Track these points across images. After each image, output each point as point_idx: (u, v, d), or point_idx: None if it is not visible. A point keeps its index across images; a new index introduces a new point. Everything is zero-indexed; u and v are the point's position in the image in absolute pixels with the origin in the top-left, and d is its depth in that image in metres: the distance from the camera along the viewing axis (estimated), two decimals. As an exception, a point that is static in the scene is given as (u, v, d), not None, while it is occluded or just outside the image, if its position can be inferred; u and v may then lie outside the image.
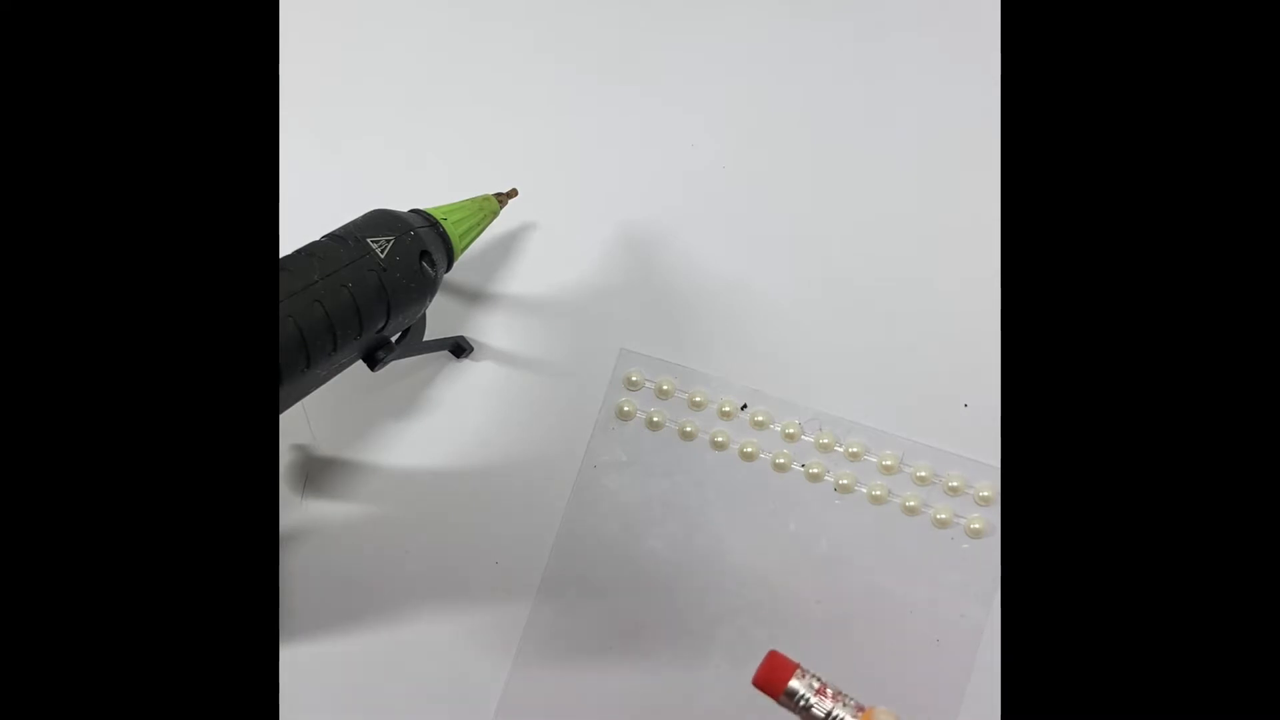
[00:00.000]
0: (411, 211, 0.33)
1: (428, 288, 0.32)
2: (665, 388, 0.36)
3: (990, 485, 0.35)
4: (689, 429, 0.36)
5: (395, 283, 0.31)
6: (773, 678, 0.23)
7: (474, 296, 0.38)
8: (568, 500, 0.36)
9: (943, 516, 0.35)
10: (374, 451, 0.37)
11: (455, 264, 0.34)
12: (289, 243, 0.29)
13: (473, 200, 0.35)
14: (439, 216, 0.33)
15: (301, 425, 0.36)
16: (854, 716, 0.23)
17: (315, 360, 0.29)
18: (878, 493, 0.35)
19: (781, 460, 0.36)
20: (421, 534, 0.36)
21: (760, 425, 0.36)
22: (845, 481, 0.35)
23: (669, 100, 0.40)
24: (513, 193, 0.36)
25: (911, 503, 0.35)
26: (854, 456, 0.35)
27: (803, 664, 0.24)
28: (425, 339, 0.34)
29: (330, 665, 0.35)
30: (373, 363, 0.32)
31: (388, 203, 0.33)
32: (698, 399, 0.36)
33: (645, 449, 0.36)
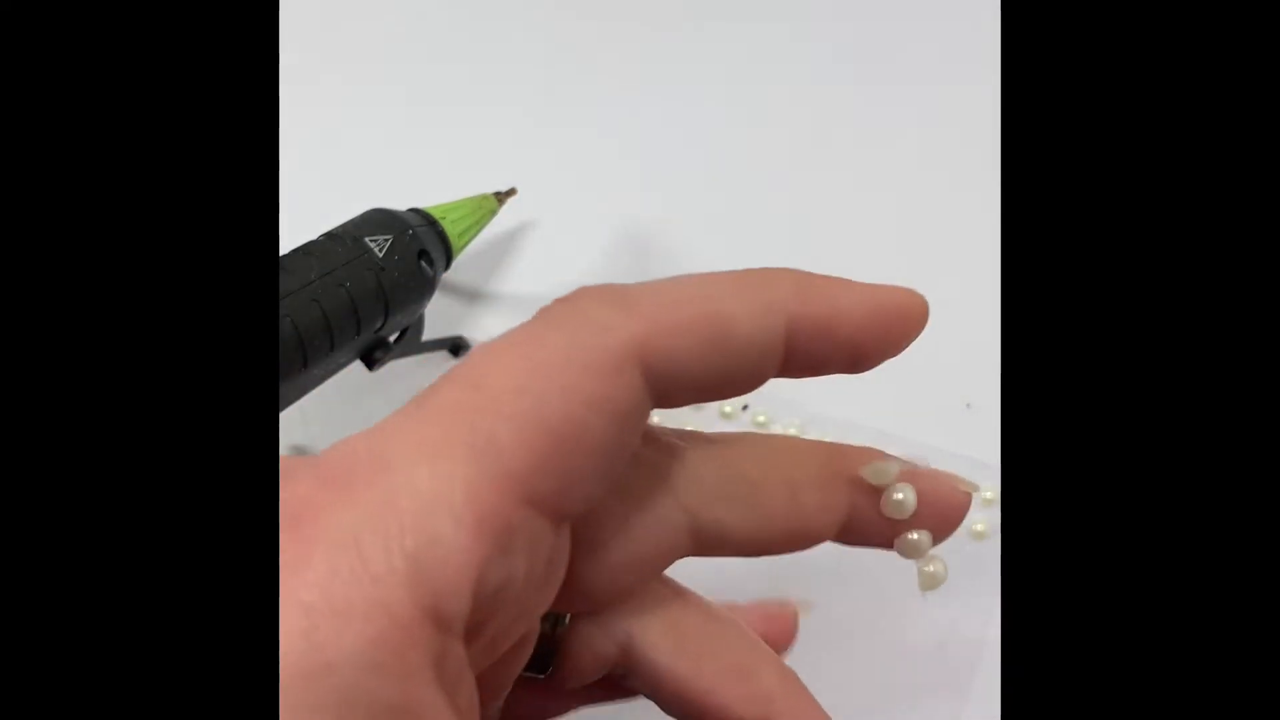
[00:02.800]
0: (409, 210, 0.33)
1: (426, 287, 0.32)
2: (665, 388, 0.36)
3: (993, 487, 0.34)
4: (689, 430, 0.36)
5: (393, 282, 0.30)
6: None
7: (473, 296, 0.38)
8: (567, 501, 0.36)
9: (945, 518, 0.34)
10: (372, 452, 0.36)
11: (454, 263, 0.34)
12: (285, 242, 0.29)
13: (471, 199, 0.35)
14: (437, 215, 0.33)
15: (298, 425, 0.36)
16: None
17: (312, 360, 0.29)
18: (879, 494, 0.35)
19: (782, 461, 0.35)
20: (420, 535, 0.36)
21: (761, 426, 0.36)
22: (847, 483, 0.35)
23: (670, 99, 0.40)
24: (512, 191, 0.36)
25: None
26: (855, 457, 0.35)
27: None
28: (423, 339, 0.34)
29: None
30: (370, 362, 0.32)
31: (385, 201, 0.32)
32: (698, 399, 0.36)
33: (645, 450, 0.36)
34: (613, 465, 0.16)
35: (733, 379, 0.17)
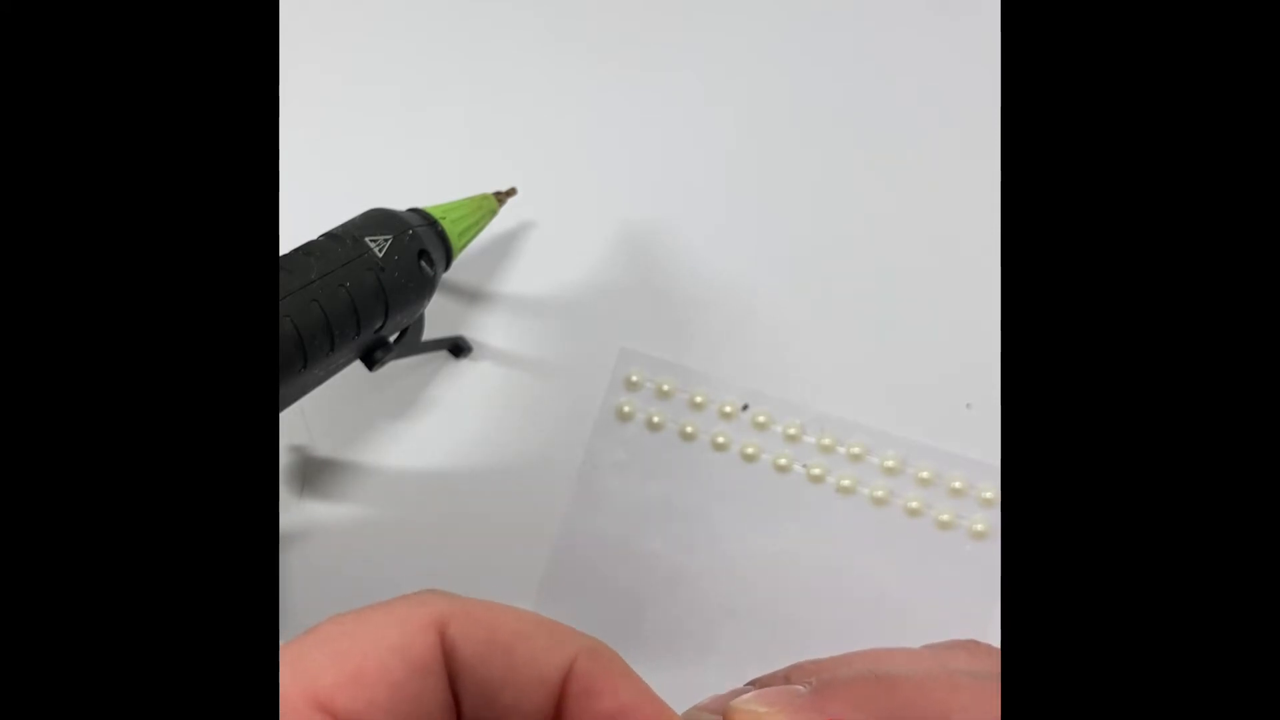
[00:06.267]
0: (409, 210, 0.33)
1: (426, 287, 0.32)
2: (665, 388, 0.36)
3: (993, 487, 0.34)
4: (689, 430, 0.36)
5: (393, 282, 0.30)
6: None
7: (473, 296, 0.38)
8: (568, 501, 0.36)
9: (945, 518, 0.35)
10: (372, 452, 0.36)
11: (454, 263, 0.34)
12: (285, 242, 0.29)
13: (471, 199, 0.35)
14: (437, 215, 0.33)
15: (299, 426, 0.36)
16: None
17: (312, 360, 0.29)
18: (880, 494, 0.35)
19: (783, 461, 0.35)
20: (420, 534, 0.36)
21: (761, 426, 0.36)
22: (847, 483, 0.35)
23: (671, 99, 0.40)
24: (512, 191, 0.36)
25: (914, 504, 0.35)
26: (856, 458, 0.35)
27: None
28: (424, 339, 0.34)
29: (329, 667, 0.35)
30: (370, 363, 0.32)
31: (385, 201, 0.32)
32: (698, 399, 0.36)
33: (645, 450, 0.36)
34: (410, 710, 0.19)
35: (514, 693, 0.19)
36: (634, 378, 0.36)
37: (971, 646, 0.22)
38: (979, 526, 0.34)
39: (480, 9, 0.41)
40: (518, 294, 0.38)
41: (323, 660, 0.18)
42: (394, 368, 0.36)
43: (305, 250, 0.30)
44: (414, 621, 0.19)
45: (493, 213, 0.36)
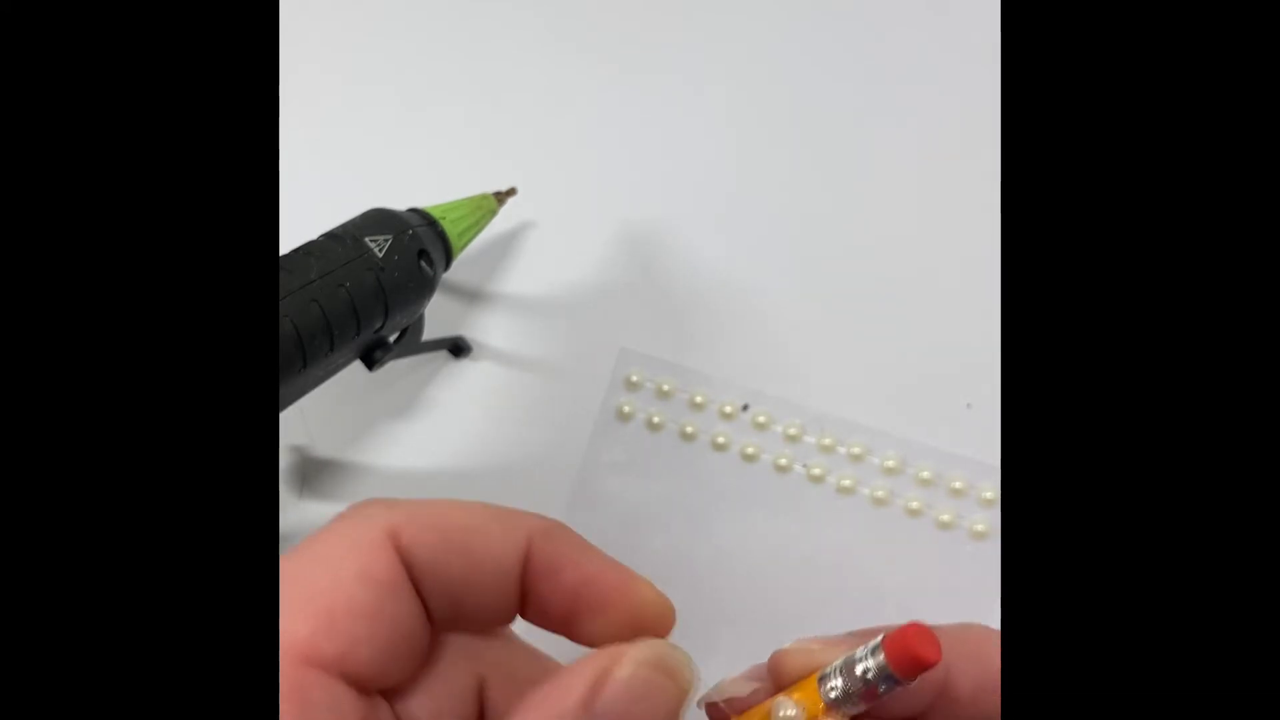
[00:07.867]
0: (409, 210, 0.33)
1: (426, 287, 0.32)
2: (665, 388, 0.36)
3: (993, 487, 0.34)
4: (689, 430, 0.36)
5: (393, 282, 0.30)
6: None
7: (473, 296, 0.38)
8: (568, 501, 0.36)
9: (945, 519, 0.34)
10: (372, 452, 0.36)
11: (454, 263, 0.34)
12: (285, 242, 0.29)
13: (471, 199, 0.35)
14: (437, 215, 0.33)
15: (298, 426, 0.36)
16: None
17: (312, 360, 0.29)
18: (880, 494, 0.35)
19: (783, 462, 0.35)
20: (420, 535, 0.36)
21: (761, 427, 0.36)
22: (847, 483, 0.35)
23: (670, 99, 0.40)
24: (511, 191, 0.36)
25: (914, 504, 0.35)
26: (856, 458, 0.35)
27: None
28: (424, 339, 0.34)
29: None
30: (370, 363, 0.32)
31: (385, 201, 0.32)
32: (698, 400, 0.36)
33: (645, 450, 0.36)
34: (390, 633, 0.18)
35: (477, 588, 0.19)
36: (634, 378, 0.36)
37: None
38: (979, 526, 0.34)
39: (480, 9, 0.41)
40: (518, 294, 0.38)
41: (290, 609, 0.17)
42: (394, 368, 0.36)
43: (305, 250, 0.30)
44: (366, 541, 0.18)
45: (493, 213, 0.36)
